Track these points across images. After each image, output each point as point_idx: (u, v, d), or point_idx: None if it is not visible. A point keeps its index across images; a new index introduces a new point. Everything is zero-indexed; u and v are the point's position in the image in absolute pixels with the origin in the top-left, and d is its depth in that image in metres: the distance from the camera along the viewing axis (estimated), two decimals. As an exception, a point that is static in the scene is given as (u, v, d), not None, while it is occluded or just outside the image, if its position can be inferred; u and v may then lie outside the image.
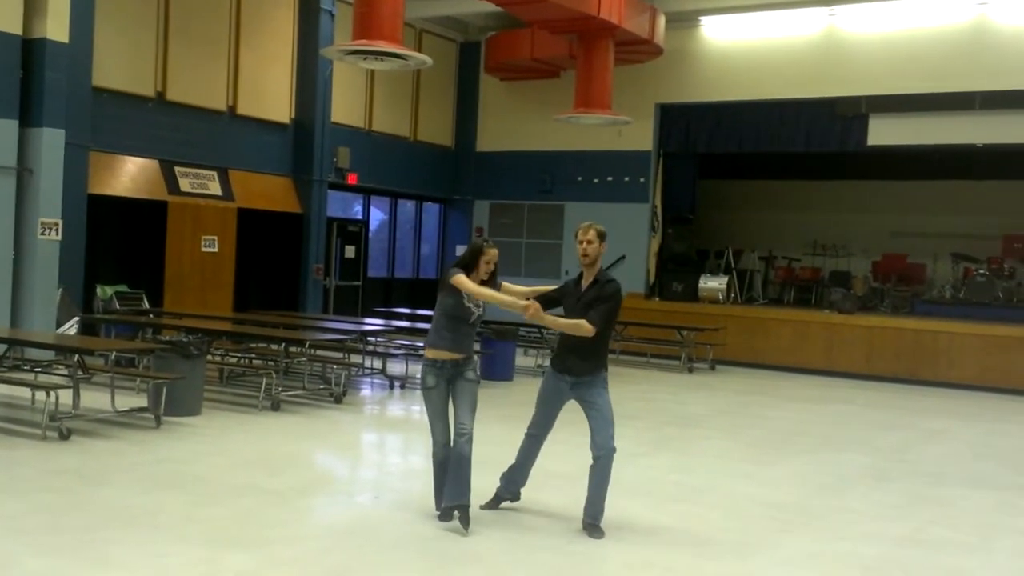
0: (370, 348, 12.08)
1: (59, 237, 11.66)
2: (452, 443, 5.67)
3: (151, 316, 12.36)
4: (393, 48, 10.47)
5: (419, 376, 5.86)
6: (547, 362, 13.60)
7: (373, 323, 12.67)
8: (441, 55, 17.64)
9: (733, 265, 17.49)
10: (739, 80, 16.28)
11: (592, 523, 5.66)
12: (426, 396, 5.76)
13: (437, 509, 5.82)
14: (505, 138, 18.65)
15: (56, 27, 11.51)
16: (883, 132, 15.63)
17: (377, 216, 18.36)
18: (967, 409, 12.12)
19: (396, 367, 12.32)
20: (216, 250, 14.31)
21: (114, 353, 9.17)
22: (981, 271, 15.65)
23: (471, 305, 5.68)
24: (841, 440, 9.59)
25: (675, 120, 17.42)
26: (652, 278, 17.38)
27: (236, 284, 14.67)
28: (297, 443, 8.21)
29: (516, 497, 6.13)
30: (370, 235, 17.70)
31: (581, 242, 5.71)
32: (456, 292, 5.64)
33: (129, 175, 13.32)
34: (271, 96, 15.21)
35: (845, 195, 18.33)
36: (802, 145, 16.38)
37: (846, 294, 15.85)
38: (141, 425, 8.31)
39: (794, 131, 16.39)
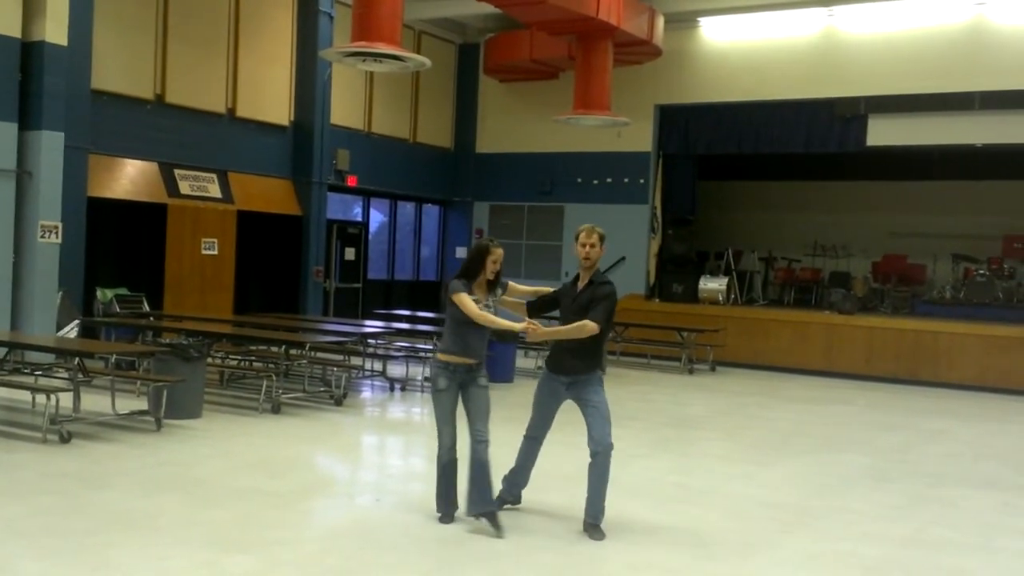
0: (370, 350, 12.08)
1: (59, 240, 11.67)
2: (471, 450, 5.65)
3: (151, 319, 12.35)
4: (392, 50, 10.47)
5: (428, 378, 5.85)
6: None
7: (373, 325, 12.67)
8: (440, 57, 17.66)
9: (733, 266, 17.49)
10: (738, 81, 16.29)
11: (593, 523, 5.66)
12: (436, 398, 5.76)
13: (439, 511, 5.82)
14: (504, 139, 18.66)
15: (55, 30, 11.52)
16: (882, 132, 15.64)
17: (377, 218, 18.36)
18: (967, 410, 12.11)
19: (396, 369, 12.32)
20: (216, 252, 14.31)
21: (114, 356, 9.17)
22: (981, 271, 15.65)
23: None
24: (841, 441, 9.59)
25: (674, 121, 17.43)
26: (652, 279, 17.38)
27: (236, 286, 14.67)
28: (298, 446, 8.20)
29: (517, 500, 6.13)
30: (370, 237, 17.71)
31: (584, 245, 5.72)
32: None
33: (129, 178, 13.32)
34: (270, 98, 15.21)
35: (845, 196, 18.32)
36: (801, 146, 16.39)
37: (846, 295, 15.85)
38: (141, 428, 8.31)
39: (793, 132, 16.39)
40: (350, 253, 16.84)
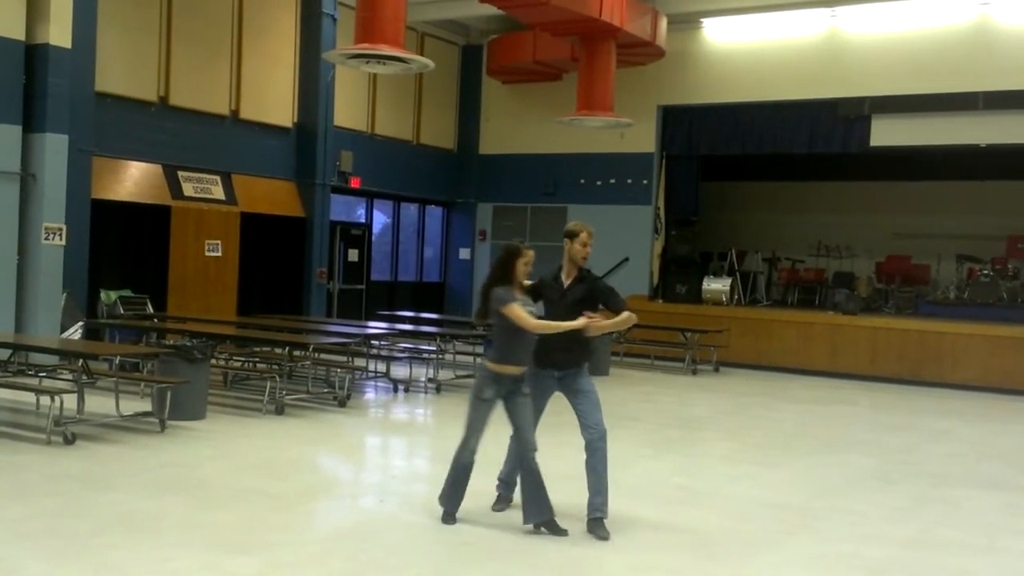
0: (374, 352, 12.09)
1: (63, 242, 11.69)
2: (525, 460, 5.63)
3: (155, 320, 12.37)
4: (395, 52, 10.48)
5: (475, 384, 5.77)
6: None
7: (377, 326, 12.67)
8: (443, 58, 17.65)
9: (737, 267, 17.48)
10: (741, 82, 16.28)
11: (597, 518, 5.64)
12: (477, 406, 5.70)
13: (446, 509, 5.80)
14: (508, 141, 18.66)
15: (59, 33, 11.54)
16: (886, 133, 15.61)
17: (380, 219, 18.38)
18: (972, 410, 12.09)
19: (400, 370, 12.33)
20: (219, 254, 14.32)
21: (118, 357, 9.20)
22: (985, 272, 15.62)
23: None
24: (845, 441, 9.58)
25: (677, 122, 17.42)
26: (655, 280, 17.38)
27: (240, 288, 14.68)
28: (301, 447, 8.21)
29: (511, 499, 6.14)
30: (373, 239, 17.72)
31: (585, 244, 5.82)
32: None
33: (132, 180, 13.34)
34: (274, 100, 15.23)
35: (848, 196, 18.30)
36: (805, 146, 16.36)
37: (850, 295, 15.84)
38: (145, 429, 8.32)
39: (797, 132, 16.37)
40: (353, 254, 16.85)
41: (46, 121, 11.47)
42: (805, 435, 9.93)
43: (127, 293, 12.82)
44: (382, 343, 12.43)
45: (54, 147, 11.54)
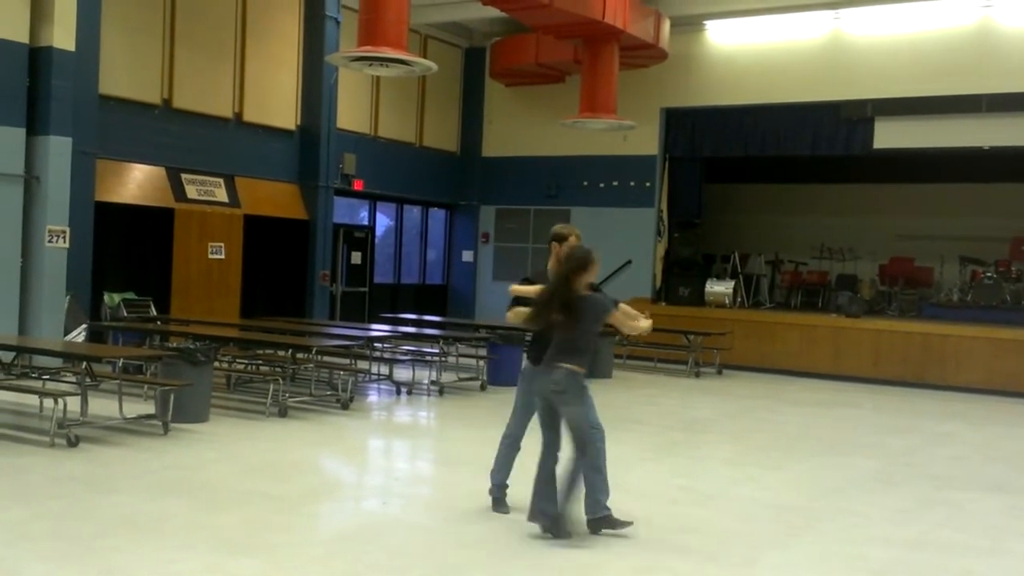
0: (377, 354, 12.09)
1: (66, 244, 11.70)
2: (555, 461, 5.67)
3: (158, 323, 12.39)
4: (398, 54, 10.49)
5: (570, 388, 5.61)
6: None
7: (380, 329, 12.68)
8: (446, 61, 17.67)
9: (740, 269, 17.47)
10: (744, 84, 16.28)
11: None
12: (583, 411, 5.63)
13: (563, 527, 5.61)
14: (511, 143, 18.67)
15: (62, 35, 11.56)
16: (889, 135, 15.60)
17: (383, 222, 18.39)
18: (975, 413, 12.07)
19: (403, 373, 12.33)
20: (223, 257, 14.34)
21: (122, 360, 9.19)
22: (989, 274, 15.59)
23: None
24: (849, 444, 9.56)
25: (680, 124, 17.42)
26: (658, 283, 17.37)
27: (243, 291, 14.70)
28: (304, 449, 8.21)
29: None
30: (376, 241, 17.73)
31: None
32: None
33: (136, 182, 13.36)
34: (277, 103, 15.25)
35: (852, 199, 18.29)
36: (808, 149, 16.36)
37: (853, 298, 15.82)
38: (148, 432, 8.33)
39: (800, 135, 16.37)
40: (356, 257, 16.86)
41: (50, 124, 11.49)
42: (808, 437, 9.92)
43: (130, 296, 12.83)
44: (385, 345, 12.43)
45: (58, 150, 11.56)
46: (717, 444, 9.29)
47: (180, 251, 13.77)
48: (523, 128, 18.43)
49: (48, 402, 8.19)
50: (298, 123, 15.61)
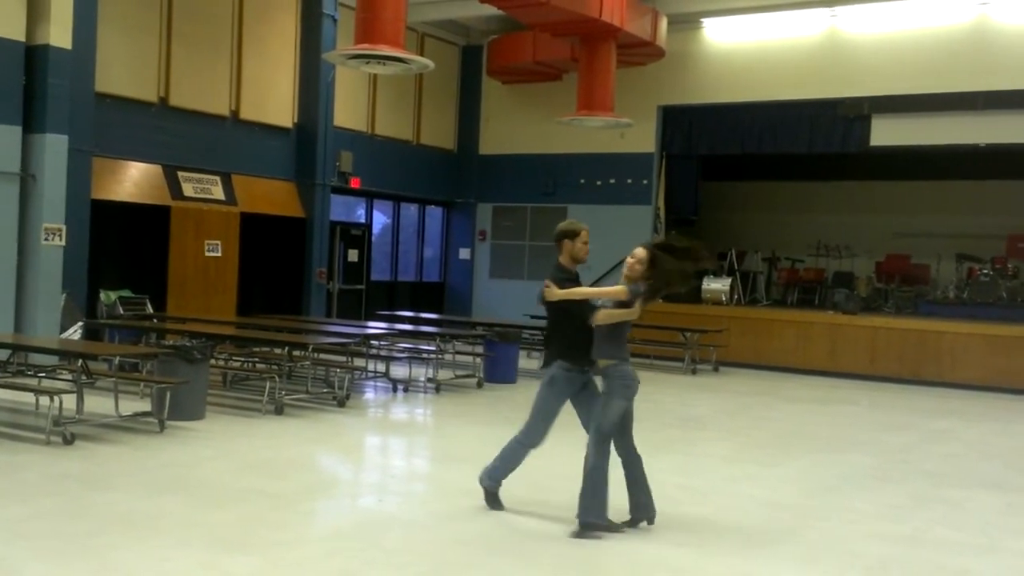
0: (373, 352, 12.09)
1: (63, 242, 11.69)
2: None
3: (155, 321, 12.38)
4: (395, 52, 10.48)
5: (629, 385, 5.95)
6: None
7: (376, 326, 12.68)
8: (443, 59, 17.66)
9: (736, 267, 17.48)
10: (741, 81, 16.29)
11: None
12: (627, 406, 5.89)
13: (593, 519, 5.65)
14: (508, 141, 18.67)
15: (59, 33, 11.54)
16: (886, 133, 15.61)
17: (380, 220, 18.39)
18: (971, 410, 12.09)
19: (399, 370, 12.33)
20: (219, 254, 14.33)
21: (118, 358, 9.20)
22: (985, 271, 15.61)
23: None
24: (845, 441, 9.57)
25: (677, 122, 17.42)
26: (655, 280, 17.33)
27: (239, 288, 14.69)
28: (300, 447, 8.21)
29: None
30: (373, 239, 17.72)
31: (587, 242, 5.96)
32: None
33: (132, 180, 13.35)
34: (274, 101, 15.23)
35: (848, 196, 18.31)
36: (805, 146, 16.36)
37: (849, 295, 15.84)
38: (144, 430, 8.32)
39: (796, 132, 16.37)
40: (353, 255, 16.86)
41: (46, 121, 11.48)
42: (805, 434, 9.93)
43: (127, 293, 12.83)
44: (381, 343, 12.43)
45: (54, 148, 11.55)
46: (714, 441, 9.30)
47: (176, 249, 13.76)
48: (520, 126, 18.42)
49: (44, 400, 8.17)
50: (295, 121, 15.60)
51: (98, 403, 8.77)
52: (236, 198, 14.63)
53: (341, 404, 10.11)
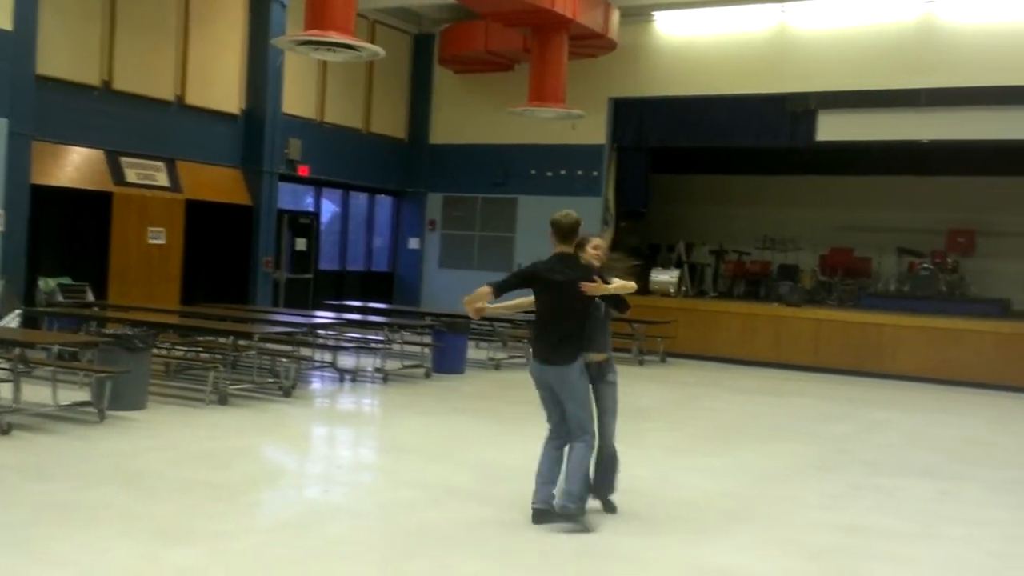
0: (320, 341, 11.99)
1: (1, 228, 11.41)
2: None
3: (95, 309, 12.14)
4: (345, 39, 10.38)
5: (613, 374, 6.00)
6: (498, 355, 13.65)
7: (323, 316, 12.58)
8: (394, 47, 17.51)
9: (684, 259, 17.64)
10: (692, 75, 16.41)
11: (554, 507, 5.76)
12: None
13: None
14: (459, 131, 18.60)
15: (-1, 14, 11.24)
16: (831, 128, 15.83)
17: (329, 208, 18.21)
18: (909, 400, 12.37)
19: (347, 360, 12.25)
20: (163, 242, 14.08)
21: (56, 346, 9.00)
22: (925, 265, 15.96)
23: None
24: (788, 431, 9.74)
25: (628, 114, 17.49)
26: (604, 271, 17.42)
27: (184, 277, 14.45)
28: (245, 437, 8.12)
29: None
30: (321, 228, 17.56)
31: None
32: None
33: (73, 165, 13.05)
34: (220, 86, 14.99)
35: (794, 190, 18.56)
36: (753, 140, 16.54)
37: (794, 287, 16.09)
38: (84, 420, 8.17)
39: (745, 126, 16.51)
40: (301, 243, 16.67)
41: (-16, 104, 11.19)
42: (750, 425, 10.09)
43: (66, 280, 12.55)
44: (329, 332, 12.33)
45: (-8, 131, 11.26)
46: (660, 432, 9.39)
47: (118, 236, 13.48)
48: (471, 116, 18.36)
49: (-20, 389, 7.98)
50: (242, 107, 15.36)
51: (35, 392, 8.57)
52: (181, 185, 14.38)
53: (287, 394, 10.02)
